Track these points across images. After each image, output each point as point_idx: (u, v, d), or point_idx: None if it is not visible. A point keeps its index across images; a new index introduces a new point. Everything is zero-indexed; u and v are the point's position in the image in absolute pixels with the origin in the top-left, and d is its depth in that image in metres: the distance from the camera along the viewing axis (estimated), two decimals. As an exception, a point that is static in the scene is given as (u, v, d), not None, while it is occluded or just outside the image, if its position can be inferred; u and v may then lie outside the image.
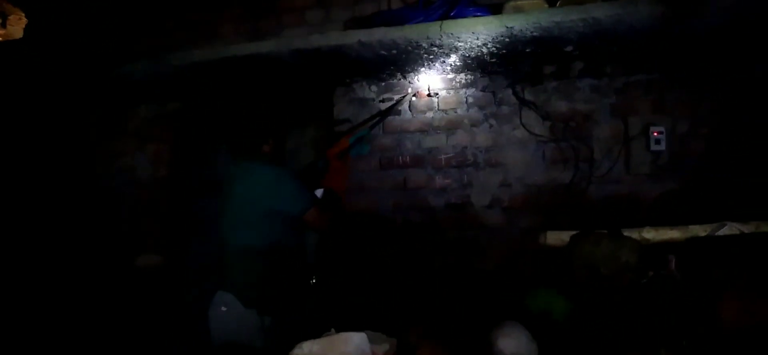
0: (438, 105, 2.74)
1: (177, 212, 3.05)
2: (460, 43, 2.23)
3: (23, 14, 1.95)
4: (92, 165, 3.22)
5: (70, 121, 3.23)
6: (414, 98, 2.75)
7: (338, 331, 1.56)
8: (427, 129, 2.74)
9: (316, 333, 1.60)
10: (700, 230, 1.67)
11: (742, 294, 1.34)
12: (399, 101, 2.73)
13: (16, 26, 1.96)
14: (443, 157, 2.71)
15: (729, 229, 1.64)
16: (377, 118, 2.70)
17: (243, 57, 2.39)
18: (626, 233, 1.68)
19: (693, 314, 1.36)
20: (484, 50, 2.31)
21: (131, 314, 2.94)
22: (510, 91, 2.63)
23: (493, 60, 2.43)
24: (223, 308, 2.02)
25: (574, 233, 1.76)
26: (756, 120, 2.36)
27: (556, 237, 1.85)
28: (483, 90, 2.68)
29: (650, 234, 1.73)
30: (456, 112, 2.71)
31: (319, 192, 2.23)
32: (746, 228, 1.65)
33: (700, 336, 1.31)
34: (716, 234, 1.64)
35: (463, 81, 2.67)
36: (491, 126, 2.66)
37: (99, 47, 2.93)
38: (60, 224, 3.12)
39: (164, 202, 3.08)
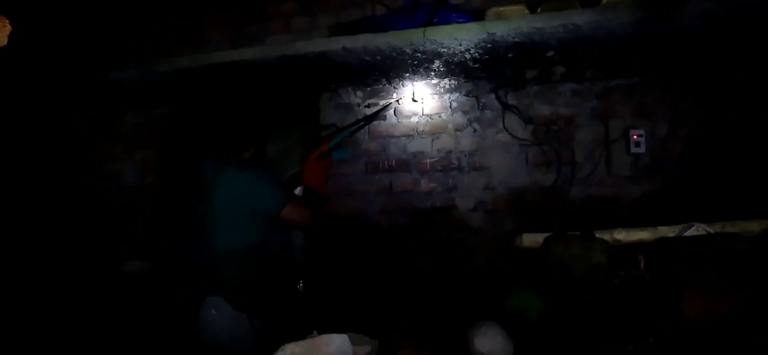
0: (423, 110, 2.77)
1: (165, 217, 3.06)
2: (443, 49, 2.27)
3: (8, 22, 1.95)
4: (80, 171, 3.22)
5: (57, 128, 3.23)
6: (398, 103, 2.79)
7: (321, 333, 1.58)
8: (413, 134, 2.78)
9: (300, 335, 1.63)
10: (668, 231, 1.73)
11: (703, 291, 1.39)
12: (384, 108, 2.76)
13: (1, 34, 1.97)
14: (428, 161, 2.75)
15: (696, 230, 1.69)
16: (361, 123, 2.73)
17: (229, 63, 2.41)
18: (599, 235, 1.73)
19: (660, 311, 1.41)
20: (467, 56, 2.34)
21: (120, 320, 2.95)
22: (493, 95, 2.67)
23: (476, 65, 2.46)
24: (214, 312, 2.03)
25: (547, 235, 1.80)
26: (732, 122, 2.41)
27: (532, 239, 1.89)
28: (467, 95, 2.72)
29: (621, 235, 1.78)
30: (440, 116, 2.75)
31: (298, 190, 2.24)
32: (712, 228, 1.70)
33: (666, 332, 1.36)
34: (684, 235, 1.69)
35: (448, 86, 2.71)
36: (475, 130, 2.70)
37: (85, 54, 2.94)
38: (48, 230, 3.12)
39: (152, 207, 3.09)
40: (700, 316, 1.38)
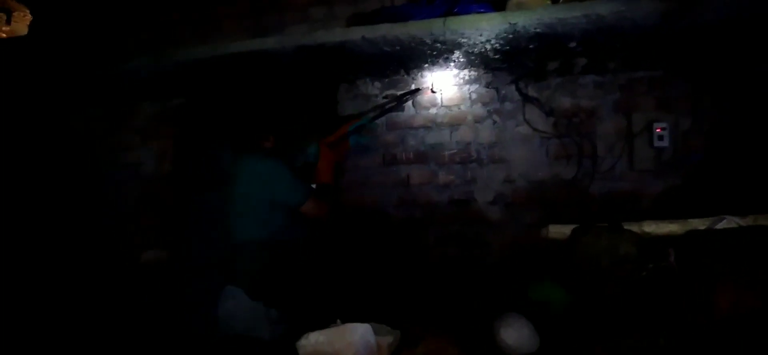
0: (441, 101, 2.75)
1: (181, 207, 3.06)
2: (463, 40, 2.24)
3: (28, 11, 1.96)
4: (97, 161, 3.23)
5: (75, 117, 3.25)
6: (418, 94, 2.76)
7: (344, 322, 1.57)
8: (431, 125, 2.75)
9: (322, 324, 1.62)
10: (699, 224, 1.70)
11: (735, 285, 1.36)
12: (403, 97, 2.73)
13: (21, 23, 1.98)
14: (447, 153, 2.72)
15: (727, 222, 1.66)
16: (379, 112, 2.72)
17: (246, 53, 2.40)
18: (627, 227, 1.70)
19: (690, 304, 1.38)
20: (488, 46, 2.31)
21: (136, 309, 2.96)
22: (513, 87, 2.64)
23: (497, 56, 2.44)
24: (231, 302, 2.04)
25: (575, 226, 1.77)
26: (756, 114, 2.36)
27: (558, 231, 1.87)
28: (486, 86, 2.69)
29: (650, 228, 1.75)
30: (459, 108, 2.72)
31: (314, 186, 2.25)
32: (744, 221, 1.67)
33: (696, 325, 1.33)
34: (714, 228, 1.65)
35: (467, 77, 2.68)
36: (495, 122, 2.67)
37: (103, 43, 2.95)
38: (64, 219, 3.14)
39: (168, 197, 3.09)
40: (731, 309, 1.35)
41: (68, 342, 2.85)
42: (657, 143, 2.43)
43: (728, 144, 2.40)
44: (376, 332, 1.54)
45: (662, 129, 2.42)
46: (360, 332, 1.47)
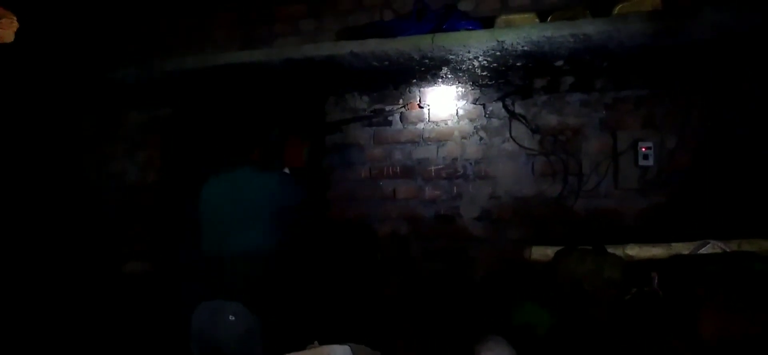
0: (429, 116, 2.75)
1: (166, 218, 3.04)
2: (451, 56, 2.24)
3: (15, 18, 1.94)
4: (82, 170, 3.20)
5: (61, 126, 3.22)
6: (405, 109, 2.76)
7: (322, 342, 1.56)
8: (418, 140, 2.75)
9: (307, 339, 1.60)
10: (682, 248, 1.70)
11: (720, 310, 1.37)
12: (378, 113, 2.75)
13: (8, 30, 1.95)
14: (433, 168, 2.72)
15: (711, 247, 1.66)
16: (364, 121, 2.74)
17: (235, 65, 2.39)
18: (610, 250, 1.70)
19: (673, 330, 1.38)
20: (476, 63, 2.32)
21: (119, 320, 2.92)
22: (500, 104, 2.64)
23: (484, 73, 2.44)
24: (232, 318, 1.99)
25: (558, 248, 1.77)
26: (743, 135, 2.38)
27: (541, 252, 1.86)
28: (474, 102, 2.69)
29: (634, 251, 1.75)
30: (446, 123, 2.72)
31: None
32: (728, 246, 1.67)
33: (679, 351, 1.33)
34: (698, 252, 1.66)
35: (454, 93, 2.69)
36: (481, 138, 2.68)
37: (91, 52, 2.93)
38: (48, 228, 3.10)
39: (154, 207, 3.07)
40: (715, 336, 1.34)
41: (49, 351, 2.81)
42: (642, 162, 2.43)
43: (714, 164, 2.40)
44: (355, 353, 1.52)
45: (647, 148, 2.43)
46: (338, 354, 1.46)
